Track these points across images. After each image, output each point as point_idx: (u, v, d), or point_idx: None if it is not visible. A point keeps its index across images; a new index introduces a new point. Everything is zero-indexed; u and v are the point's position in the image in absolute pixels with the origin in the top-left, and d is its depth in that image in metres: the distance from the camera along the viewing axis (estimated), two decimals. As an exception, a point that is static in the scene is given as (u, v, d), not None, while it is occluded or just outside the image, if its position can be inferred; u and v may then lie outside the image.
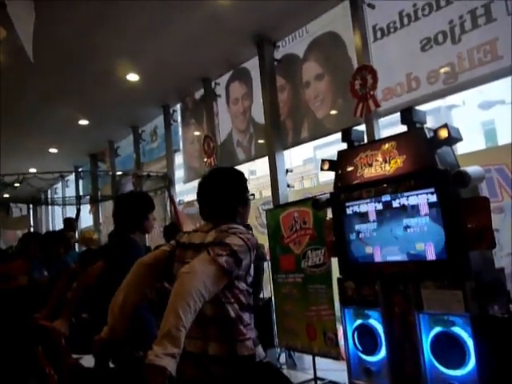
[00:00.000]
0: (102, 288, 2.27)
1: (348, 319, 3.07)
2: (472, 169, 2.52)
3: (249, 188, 1.92)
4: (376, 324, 2.88)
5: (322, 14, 5.19)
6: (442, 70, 4.08)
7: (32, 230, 11.59)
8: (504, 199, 3.52)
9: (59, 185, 12.57)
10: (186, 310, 1.40)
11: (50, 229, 12.40)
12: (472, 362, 2.38)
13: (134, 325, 1.85)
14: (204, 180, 1.92)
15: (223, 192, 1.83)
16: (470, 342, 2.39)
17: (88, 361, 2.06)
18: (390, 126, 4.25)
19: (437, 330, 2.55)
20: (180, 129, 8.16)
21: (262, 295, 4.97)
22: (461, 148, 2.95)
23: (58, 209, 10.72)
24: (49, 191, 13.26)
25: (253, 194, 1.96)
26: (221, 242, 1.61)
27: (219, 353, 1.61)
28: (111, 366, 2.08)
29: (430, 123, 2.87)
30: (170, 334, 1.37)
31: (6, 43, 4.47)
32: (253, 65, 6.23)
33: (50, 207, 12.60)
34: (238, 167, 7.73)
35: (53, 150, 10.40)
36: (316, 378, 4.04)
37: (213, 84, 7.02)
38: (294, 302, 4.15)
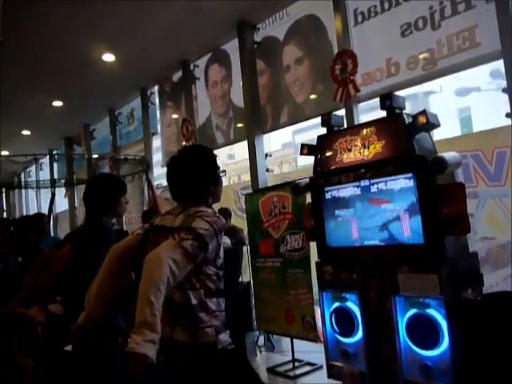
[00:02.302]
0: (71, 272, 2.22)
1: (326, 302, 3.10)
2: (449, 155, 2.55)
3: (220, 167, 1.86)
4: (353, 306, 2.92)
5: (303, -3, 5.15)
6: (422, 56, 4.10)
7: (5, 214, 11.30)
8: (479, 185, 3.60)
9: (33, 168, 12.28)
10: (157, 295, 1.41)
11: (24, 213, 12.13)
12: (445, 343, 2.45)
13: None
14: (172, 161, 1.86)
15: (193, 172, 1.78)
16: (443, 324, 2.45)
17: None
18: (370, 110, 4.27)
19: (412, 311, 2.60)
20: (158, 111, 8.02)
21: (240, 279, 5.00)
22: (437, 134, 2.97)
23: (31, 192, 10.46)
24: (22, 175, 12.95)
25: (224, 171, 1.91)
26: (187, 226, 1.61)
27: (183, 339, 1.63)
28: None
29: (408, 109, 2.87)
30: (146, 321, 1.38)
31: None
32: (232, 47, 6.14)
33: (23, 191, 12.30)
34: (217, 151, 7.68)
35: (26, 133, 10.11)
36: (294, 360, 4.10)
37: (191, 66, 6.91)
38: (272, 287, 4.17)
